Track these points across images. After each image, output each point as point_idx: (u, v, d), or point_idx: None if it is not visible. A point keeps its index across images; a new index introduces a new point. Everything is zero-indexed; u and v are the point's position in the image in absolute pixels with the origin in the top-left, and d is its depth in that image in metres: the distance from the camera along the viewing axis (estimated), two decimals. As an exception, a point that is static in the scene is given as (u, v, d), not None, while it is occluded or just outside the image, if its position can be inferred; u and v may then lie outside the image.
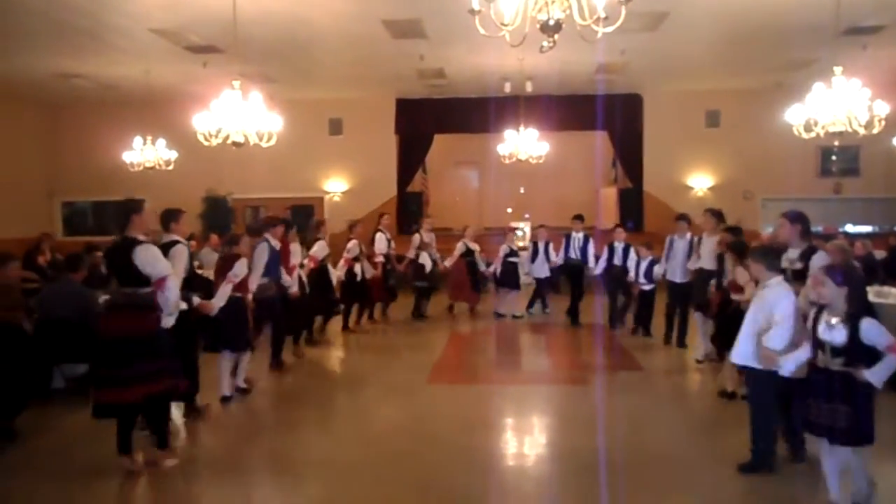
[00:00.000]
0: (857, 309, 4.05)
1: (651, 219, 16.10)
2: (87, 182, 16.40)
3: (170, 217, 5.96)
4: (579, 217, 11.34)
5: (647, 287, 9.71)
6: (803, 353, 4.28)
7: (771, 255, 4.86)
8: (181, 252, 5.66)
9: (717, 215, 8.15)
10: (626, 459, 5.17)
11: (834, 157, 15.70)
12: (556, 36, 4.01)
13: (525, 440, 5.96)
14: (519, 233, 15.92)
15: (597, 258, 10.77)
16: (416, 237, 11.59)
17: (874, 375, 3.94)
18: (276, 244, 7.89)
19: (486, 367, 8.80)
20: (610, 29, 3.93)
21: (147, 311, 4.93)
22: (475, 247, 11.82)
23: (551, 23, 3.93)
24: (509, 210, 18.98)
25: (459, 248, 11.65)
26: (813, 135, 8.47)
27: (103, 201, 16.66)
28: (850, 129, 8.09)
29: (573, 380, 7.80)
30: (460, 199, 19.79)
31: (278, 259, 7.89)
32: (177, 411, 6.12)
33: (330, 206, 16.77)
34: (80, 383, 6.68)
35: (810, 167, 15.95)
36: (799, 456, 4.99)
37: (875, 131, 8.27)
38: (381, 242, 11.03)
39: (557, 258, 11.35)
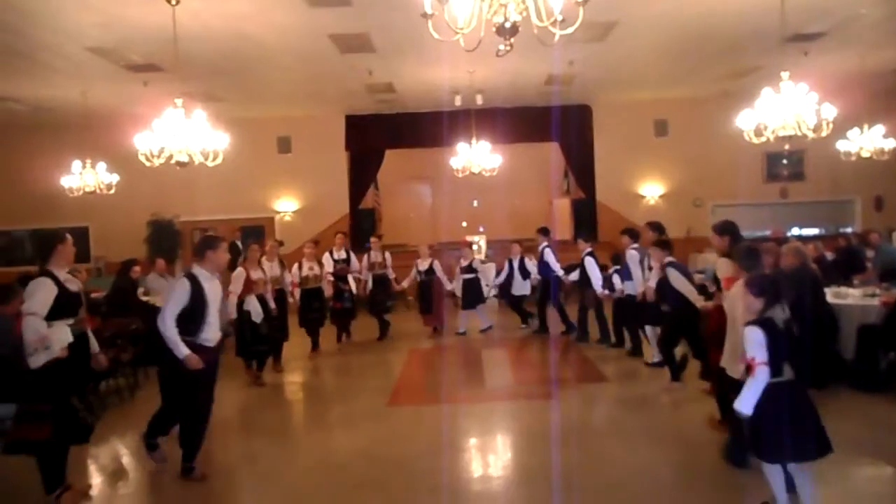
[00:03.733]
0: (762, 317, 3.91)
1: (605, 229, 16.13)
2: (24, 210, 15.66)
3: (204, 245, 5.37)
4: (544, 230, 11.26)
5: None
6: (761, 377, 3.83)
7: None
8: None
9: (657, 228, 8.25)
10: (596, 479, 5.01)
11: (785, 162, 16.03)
12: (513, 39, 3.87)
13: (491, 461, 5.76)
14: (475, 246, 15.84)
15: (567, 269, 10.81)
16: (365, 258, 11.28)
17: (739, 403, 3.82)
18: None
19: (447, 385, 8.57)
20: (569, 31, 3.80)
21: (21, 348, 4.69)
22: (424, 266, 11.34)
23: (507, 25, 3.79)
24: (464, 224, 18.87)
25: (413, 272, 11.47)
26: (763, 139, 8.53)
27: (42, 229, 15.96)
28: (799, 133, 8.17)
29: (538, 395, 7.64)
30: (414, 214, 19.61)
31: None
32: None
33: (281, 226, 16.41)
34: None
35: (757, 173, 16.24)
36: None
37: (823, 134, 8.37)
38: (327, 262, 10.66)
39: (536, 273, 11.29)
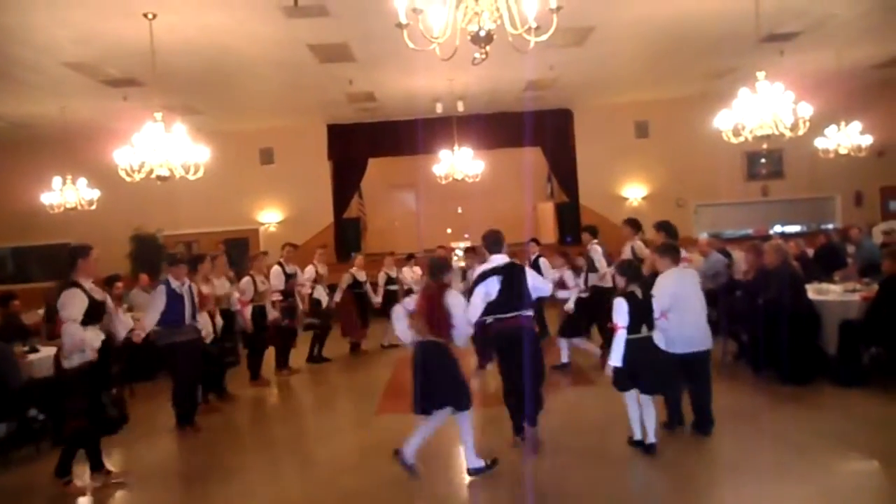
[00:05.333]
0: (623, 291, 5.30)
1: (589, 231, 16.18)
2: (5, 227, 15.51)
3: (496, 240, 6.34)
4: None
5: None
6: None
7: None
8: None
9: (634, 224, 8.46)
10: (578, 485, 5.03)
11: (764, 160, 16.18)
12: (488, 47, 3.90)
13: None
14: (459, 252, 15.82)
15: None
16: (310, 269, 10.38)
17: (611, 360, 5.17)
18: (178, 285, 6.96)
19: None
20: (543, 37, 3.84)
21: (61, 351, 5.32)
22: (362, 277, 11.02)
23: (482, 34, 3.82)
24: (448, 231, 18.89)
25: (346, 279, 10.83)
26: (741, 139, 8.62)
27: (24, 247, 15.85)
28: (776, 132, 8.26)
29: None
30: (399, 222, 19.62)
31: (180, 302, 6.94)
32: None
33: (266, 238, 16.36)
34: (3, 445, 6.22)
35: (738, 172, 16.38)
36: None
37: (800, 133, 8.47)
38: (276, 278, 9.58)
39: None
